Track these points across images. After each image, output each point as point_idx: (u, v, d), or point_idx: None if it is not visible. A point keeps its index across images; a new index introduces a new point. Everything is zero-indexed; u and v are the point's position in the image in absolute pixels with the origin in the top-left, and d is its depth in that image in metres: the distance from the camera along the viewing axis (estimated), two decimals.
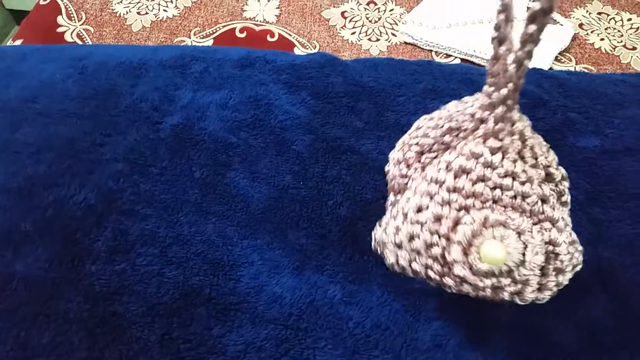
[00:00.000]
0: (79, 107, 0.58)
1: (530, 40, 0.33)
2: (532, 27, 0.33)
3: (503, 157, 0.36)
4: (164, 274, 0.47)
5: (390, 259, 0.41)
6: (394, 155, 0.44)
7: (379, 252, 0.42)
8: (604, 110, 0.62)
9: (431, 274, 0.39)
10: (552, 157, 0.41)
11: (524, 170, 0.37)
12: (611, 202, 0.55)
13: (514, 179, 0.36)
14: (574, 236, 0.40)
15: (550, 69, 0.81)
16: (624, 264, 0.51)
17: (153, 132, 0.57)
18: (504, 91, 0.34)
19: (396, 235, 0.40)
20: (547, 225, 0.37)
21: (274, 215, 0.53)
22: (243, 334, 0.45)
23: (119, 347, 0.42)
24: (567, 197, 0.42)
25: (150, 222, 0.50)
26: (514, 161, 0.36)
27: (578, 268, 0.40)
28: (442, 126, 0.41)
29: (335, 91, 0.63)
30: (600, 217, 0.54)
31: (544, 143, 0.41)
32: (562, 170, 0.41)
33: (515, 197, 0.37)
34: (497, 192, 0.36)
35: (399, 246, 0.40)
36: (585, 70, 0.81)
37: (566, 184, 0.41)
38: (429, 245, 0.38)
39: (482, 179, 0.36)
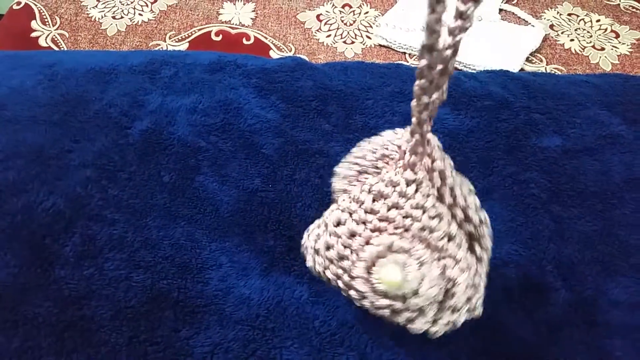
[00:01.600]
0: (48, 113, 0.58)
1: (435, 88, 0.34)
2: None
3: (417, 190, 0.38)
4: (131, 278, 0.48)
5: (309, 262, 0.43)
6: (338, 170, 0.45)
7: (304, 255, 0.45)
8: (566, 110, 0.64)
9: (340, 284, 0.41)
10: (473, 200, 0.42)
11: (434, 206, 0.38)
12: (571, 200, 0.56)
13: (423, 211, 0.38)
14: (478, 281, 0.42)
15: (522, 69, 0.83)
16: (583, 259, 0.53)
17: (122, 138, 0.58)
18: (411, 126, 0.36)
19: (316, 242, 0.42)
20: (450, 262, 0.39)
21: (243, 218, 0.53)
22: (210, 336, 0.45)
23: (88, 351, 0.43)
24: (487, 242, 0.43)
25: (119, 226, 0.51)
26: (427, 195, 0.38)
27: (475, 313, 0.42)
28: (377, 152, 0.43)
29: (305, 95, 0.64)
30: (562, 215, 0.56)
31: (470, 187, 0.42)
32: (483, 215, 0.42)
33: (423, 229, 0.38)
34: (408, 221, 0.38)
35: (317, 252, 0.42)
36: (556, 71, 0.83)
37: (486, 229, 0.43)
38: (340, 257, 0.40)
39: (396, 207, 0.38)
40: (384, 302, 0.39)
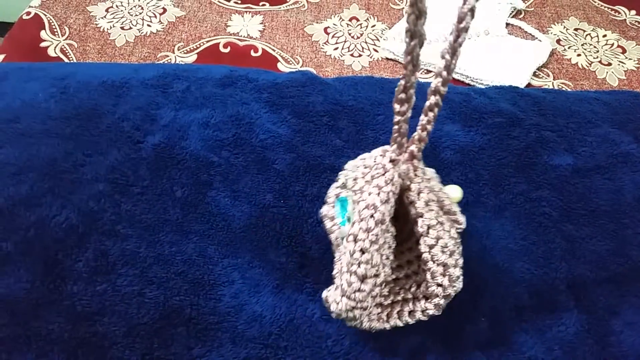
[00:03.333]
0: (61, 127, 0.59)
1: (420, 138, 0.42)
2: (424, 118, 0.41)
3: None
4: (144, 294, 0.48)
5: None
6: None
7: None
8: (577, 128, 0.64)
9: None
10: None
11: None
12: (583, 219, 0.56)
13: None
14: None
15: (529, 84, 0.83)
16: (596, 279, 0.53)
17: (134, 152, 0.58)
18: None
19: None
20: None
21: (255, 234, 0.53)
22: (223, 354, 0.45)
23: None
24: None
25: (131, 242, 0.51)
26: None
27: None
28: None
29: (316, 110, 0.64)
30: (574, 234, 0.56)
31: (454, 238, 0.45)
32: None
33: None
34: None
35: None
36: (563, 86, 0.83)
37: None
38: None
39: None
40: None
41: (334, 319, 0.48)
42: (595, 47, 0.92)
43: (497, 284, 0.54)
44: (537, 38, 0.92)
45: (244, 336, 0.47)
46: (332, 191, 0.49)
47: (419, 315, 0.45)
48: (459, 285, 0.44)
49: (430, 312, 0.44)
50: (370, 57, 0.88)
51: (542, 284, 0.53)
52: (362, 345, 0.47)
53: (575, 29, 0.96)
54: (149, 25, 0.90)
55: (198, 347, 0.45)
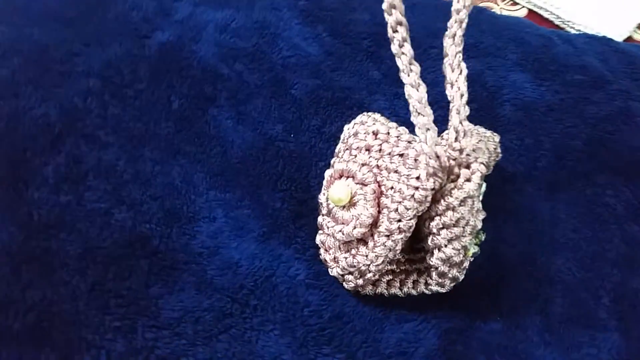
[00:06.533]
0: (63, 9, 0.51)
1: None
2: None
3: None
4: (112, 214, 0.42)
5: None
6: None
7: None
8: None
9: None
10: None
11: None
12: None
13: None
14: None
15: (629, 38, 0.68)
16: None
17: (137, 48, 0.50)
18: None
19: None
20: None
21: (252, 168, 0.46)
22: (183, 300, 0.39)
23: (44, 290, 0.38)
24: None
25: (111, 151, 0.44)
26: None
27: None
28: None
29: (357, 30, 0.53)
30: (638, 237, 0.45)
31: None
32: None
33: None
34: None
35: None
36: None
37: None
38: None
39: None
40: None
41: (319, 285, 0.41)
42: None
43: (525, 278, 0.44)
44: None
45: (212, 284, 0.40)
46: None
47: (434, 287, 0.40)
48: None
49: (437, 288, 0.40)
50: None
51: (582, 290, 0.43)
52: (344, 322, 0.40)
53: None
54: None
55: (157, 285, 0.40)
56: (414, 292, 0.41)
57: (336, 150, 0.43)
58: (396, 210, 0.37)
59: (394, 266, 0.41)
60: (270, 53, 0.51)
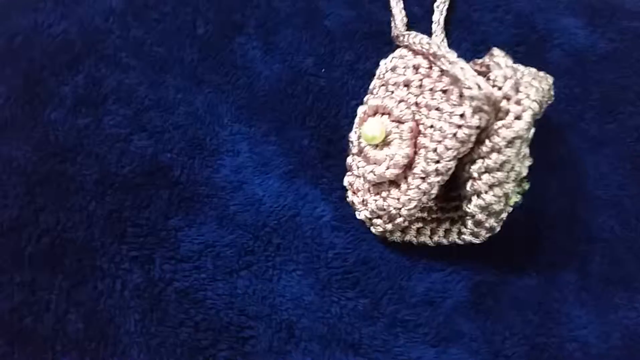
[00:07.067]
0: None
1: None
2: None
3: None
4: (131, 140, 0.40)
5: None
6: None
7: None
8: None
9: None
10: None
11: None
12: None
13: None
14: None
15: None
16: None
17: None
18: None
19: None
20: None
21: (280, 102, 0.43)
22: (204, 233, 0.38)
23: (58, 214, 0.36)
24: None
25: (132, 75, 0.42)
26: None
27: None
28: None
29: None
30: None
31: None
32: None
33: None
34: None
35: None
36: None
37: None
38: None
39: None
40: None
41: (345, 228, 0.39)
42: None
43: (565, 235, 0.42)
44: None
45: (234, 219, 0.38)
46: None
47: (468, 237, 0.37)
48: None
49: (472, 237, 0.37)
50: None
51: (624, 250, 0.41)
52: (370, 267, 0.38)
53: None
54: None
55: (177, 217, 0.38)
56: (444, 241, 0.38)
57: (370, 87, 0.40)
58: (435, 150, 0.34)
59: (425, 214, 0.39)
60: None
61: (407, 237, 0.39)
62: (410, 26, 0.47)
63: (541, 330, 0.39)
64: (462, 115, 0.33)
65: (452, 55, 0.35)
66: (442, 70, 0.36)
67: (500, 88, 0.33)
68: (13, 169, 0.38)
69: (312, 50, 0.45)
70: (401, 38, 0.41)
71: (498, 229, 0.37)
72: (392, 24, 0.45)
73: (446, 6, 0.48)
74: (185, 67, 0.43)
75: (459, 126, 0.33)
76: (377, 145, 0.37)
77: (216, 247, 0.37)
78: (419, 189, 0.35)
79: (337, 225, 0.39)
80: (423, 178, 0.35)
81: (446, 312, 0.38)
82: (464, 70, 0.33)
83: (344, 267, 0.38)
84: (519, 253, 0.41)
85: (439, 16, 0.47)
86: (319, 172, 0.41)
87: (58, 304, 0.34)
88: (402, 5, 0.47)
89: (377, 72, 0.41)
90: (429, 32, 0.47)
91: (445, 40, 0.47)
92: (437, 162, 0.34)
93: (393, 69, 0.39)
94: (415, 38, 0.38)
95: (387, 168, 0.36)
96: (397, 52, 0.40)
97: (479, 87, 0.32)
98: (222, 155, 0.41)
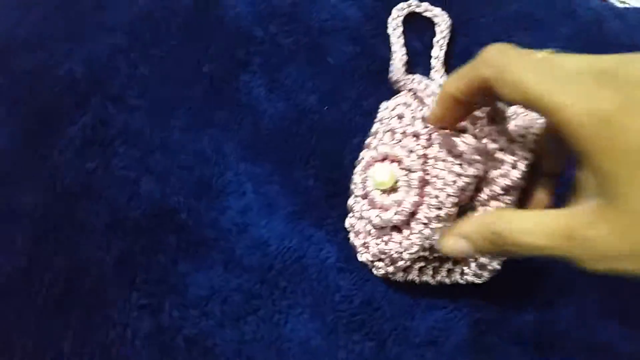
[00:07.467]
0: None
1: None
2: None
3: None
4: (140, 183, 0.40)
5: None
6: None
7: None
8: None
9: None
10: None
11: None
12: None
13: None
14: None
15: None
16: None
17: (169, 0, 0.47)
18: None
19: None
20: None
21: (284, 142, 0.44)
22: (211, 278, 0.38)
23: (68, 261, 0.37)
24: None
25: (138, 115, 0.42)
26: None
27: None
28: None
29: None
30: None
31: None
32: None
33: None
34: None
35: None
36: None
37: None
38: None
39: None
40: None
41: (350, 269, 0.40)
42: None
43: (560, 270, 0.43)
44: None
45: (241, 263, 0.39)
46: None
47: (470, 277, 0.38)
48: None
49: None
50: None
51: (618, 283, 0.42)
52: (375, 308, 0.39)
53: None
54: None
55: (185, 262, 0.39)
56: (447, 281, 0.40)
57: (373, 130, 0.41)
58: (437, 197, 0.35)
59: (427, 253, 0.40)
60: (307, 15, 0.48)
61: (410, 277, 0.40)
62: (411, 61, 0.48)
63: None
64: (460, 165, 0.34)
65: None
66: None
67: (494, 140, 0.34)
68: (21, 215, 0.38)
69: (315, 88, 0.46)
70: (402, 83, 0.42)
71: (499, 269, 0.38)
72: (391, 65, 0.46)
73: (446, 41, 0.48)
74: (191, 106, 0.43)
75: (458, 175, 0.34)
76: (384, 191, 0.38)
77: (223, 292, 0.38)
78: (422, 234, 0.36)
79: (342, 267, 0.40)
80: (425, 224, 0.36)
81: (449, 352, 0.39)
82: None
83: (350, 309, 0.39)
84: (517, 289, 0.42)
85: (438, 51, 0.48)
86: (323, 212, 0.42)
87: (71, 352, 0.35)
88: (402, 42, 0.47)
89: (379, 115, 0.41)
90: (428, 67, 0.48)
91: (445, 75, 0.47)
92: (439, 208, 0.35)
93: (400, 117, 0.39)
94: (421, 85, 0.39)
95: (395, 214, 0.37)
96: (402, 98, 0.40)
97: (466, 143, 0.33)
98: (228, 196, 0.41)
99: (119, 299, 0.36)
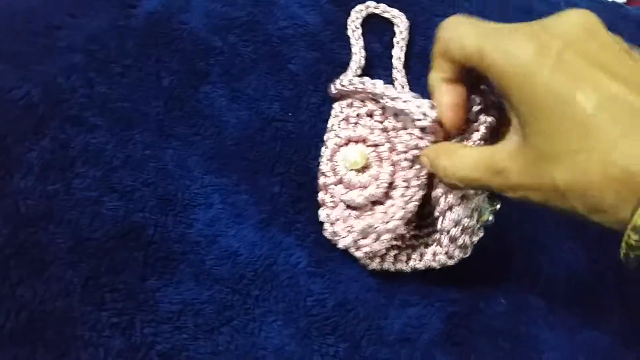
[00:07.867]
0: None
1: None
2: None
3: None
4: (102, 203, 0.40)
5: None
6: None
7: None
8: None
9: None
10: None
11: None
12: None
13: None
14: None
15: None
16: None
17: (123, 19, 0.46)
18: None
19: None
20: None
21: (249, 150, 0.44)
22: (182, 292, 0.38)
23: (35, 286, 0.36)
24: None
25: (99, 135, 0.42)
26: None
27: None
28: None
29: None
30: None
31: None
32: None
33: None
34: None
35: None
36: None
37: None
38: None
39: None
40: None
41: (321, 273, 0.40)
42: None
43: (530, 260, 0.44)
44: None
45: (211, 274, 0.39)
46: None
47: (443, 257, 0.39)
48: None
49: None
50: None
51: (586, 273, 0.43)
52: (347, 309, 0.39)
53: None
54: None
55: (154, 278, 0.38)
56: (420, 265, 0.40)
57: (329, 126, 0.44)
58: (407, 159, 0.38)
59: (400, 242, 0.41)
60: (266, 23, 0.48)
61: (385, 265, 0.40)
62: (371, 63, 0.48)
63: (513, 355, 0.41)
64: (422, 129, 0.36)
65: (391, 90, 0.39)
66: (383, 108, 0.40)
67: None
68: None
69: (278, 95, 0.46)
70: (343, 90, 0.43)
71: (470, 250, 0.38)
72: (348, 69, 0.47)
73: (406, 42, 0.49)
74: (152, 121, 0.43)
75: (420, 137, 0.36)
76: (358, 171, 0.39)
77: (195, 305, 0.38)
78: (404, 195, 0.38)
79: (313, 271, 0.40)
80: (406, 186, 0.38)
81: (423, 348, 0.40)
82: (407, 103, 0.36)
83: (322, 313, 0.39)
84: (488, 281, 0.43)
85: (399, 52, 0.48)
86: (291, 217, 0.42)
87: None
88: (362, 44, 0.48)
89: (332, 112, 0.44)
90: (389, 67, 0.49)
91: (404, 75, 0.48)
92: (413, 168, 0.38)
93: (350, 105, 0.42)
94: (355, 85, 0.42)
95: (377, 187, 0.38)
96: (347, 100, 0.43)
97: (425, 115, 0.35)
98: (195, 209, 0.41)
99: (88, 320, 0.36)
